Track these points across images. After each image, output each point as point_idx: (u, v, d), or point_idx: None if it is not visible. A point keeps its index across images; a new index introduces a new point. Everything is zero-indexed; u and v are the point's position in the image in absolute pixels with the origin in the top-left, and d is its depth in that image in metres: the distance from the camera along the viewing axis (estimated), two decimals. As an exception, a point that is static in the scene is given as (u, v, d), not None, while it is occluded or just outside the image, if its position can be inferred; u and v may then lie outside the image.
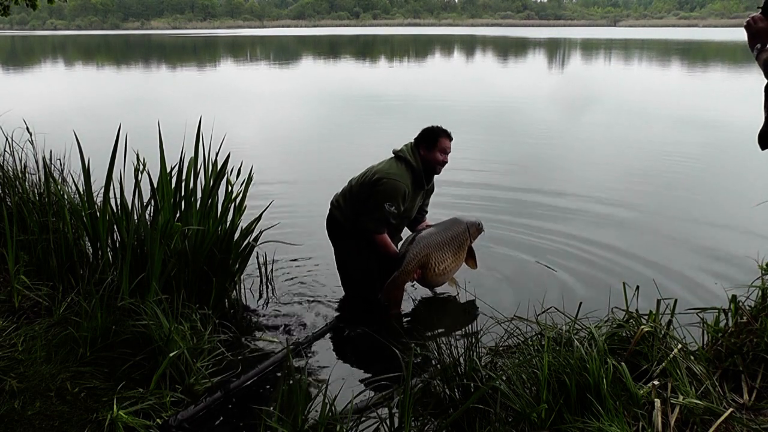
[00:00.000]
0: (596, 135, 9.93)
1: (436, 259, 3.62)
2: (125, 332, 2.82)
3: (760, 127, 2.09)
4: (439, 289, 3.98)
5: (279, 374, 2.95)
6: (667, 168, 7.36)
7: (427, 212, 4.05)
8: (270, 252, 4.05)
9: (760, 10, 2.17)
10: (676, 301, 2.77)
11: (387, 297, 3.61)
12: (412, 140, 3.76)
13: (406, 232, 3.91)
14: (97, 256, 3.43)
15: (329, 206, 3.82)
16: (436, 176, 3.83)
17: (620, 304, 2.84)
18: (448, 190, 5.69)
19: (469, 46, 43.93)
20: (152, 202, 3.37)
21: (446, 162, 3.72)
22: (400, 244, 3.76)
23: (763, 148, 2.12)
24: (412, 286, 3.94)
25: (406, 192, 3.59)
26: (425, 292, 3.97)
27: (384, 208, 3.55)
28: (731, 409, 2.24)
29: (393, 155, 3.74)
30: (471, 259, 3.85)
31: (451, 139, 3.71)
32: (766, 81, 2.11)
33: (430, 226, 3.82)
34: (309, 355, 3.20)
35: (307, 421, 2.35)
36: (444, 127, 3.72)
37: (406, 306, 3.78)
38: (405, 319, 3.66)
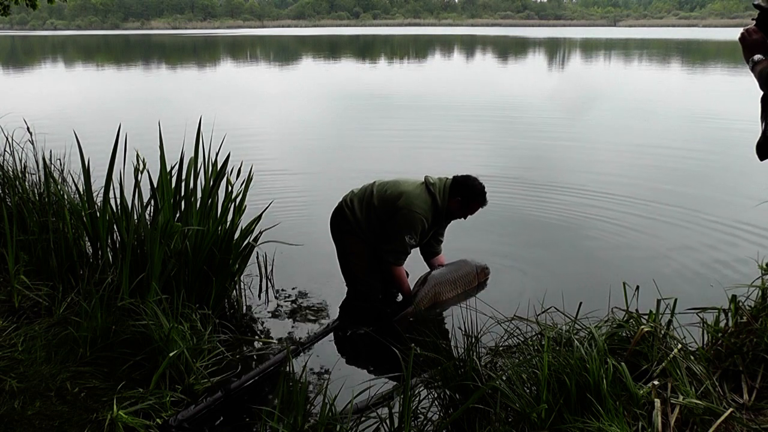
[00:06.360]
0: (596, 134, 9.91)
1: (445, 297, 3.78)
2: (125, 332, 2.82)
3: (758, 138, 2.09)
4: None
5: (279, 374, 2.94)
6: (667, 167, 7.36)
7: (442, 241, 4.03)
8: (270, 252, 4.05)
9: (754, 23, 2.17)
10: (676, 301, 2.77)
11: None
12: (450, 179, 3.73)
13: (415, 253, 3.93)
14: (97, 256, 3.44)
15: (341, 201, 3.83)
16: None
17: (620, 304, 2.84)
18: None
19: (470, 46, 43.90)
20: (152, 202, 3.37)
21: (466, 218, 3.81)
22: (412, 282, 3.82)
23: (761, 158, 2.11)
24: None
25: (425, 226, 3.66)
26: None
27: (404, 240, 3.62)
28: (731, 409, 2.24)
29: (424, 182, 3.72)
30: None
31: (485, 206, 3.76)
32: (762, 92, 2.10)
33: (442, 266, 3.92)
34: (309, 355, 3.20)
35: (307, 421, 2.35)
36: (485, 192, 3.71)
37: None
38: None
